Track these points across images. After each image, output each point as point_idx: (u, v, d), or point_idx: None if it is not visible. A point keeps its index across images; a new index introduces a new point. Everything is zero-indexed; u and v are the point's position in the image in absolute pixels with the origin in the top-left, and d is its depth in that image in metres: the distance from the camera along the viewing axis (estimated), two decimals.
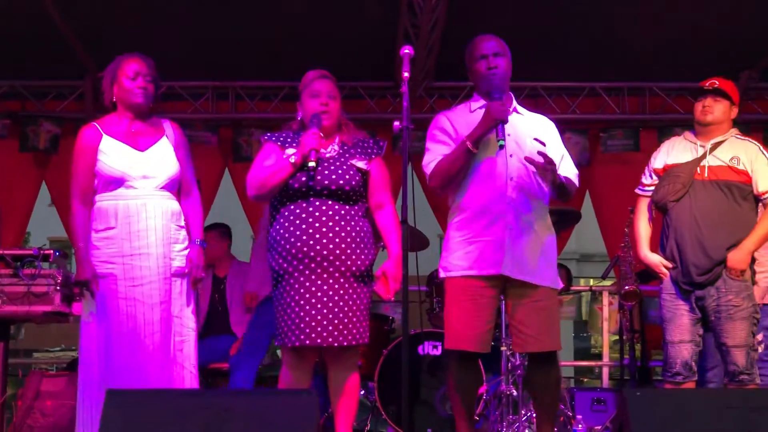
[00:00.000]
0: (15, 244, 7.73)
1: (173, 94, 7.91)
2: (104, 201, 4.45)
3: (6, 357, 6.22)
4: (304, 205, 4.43)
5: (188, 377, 4.48)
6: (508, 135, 4.28)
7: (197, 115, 8.03)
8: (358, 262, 4.45)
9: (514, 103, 4.52)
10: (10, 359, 6.33)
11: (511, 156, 4.33)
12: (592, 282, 13.83)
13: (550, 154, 4.38)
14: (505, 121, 4.24)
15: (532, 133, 4.45)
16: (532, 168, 4.33)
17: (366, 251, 4.50)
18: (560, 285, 4.57)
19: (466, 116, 4.46)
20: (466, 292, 4.32)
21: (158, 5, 6.79)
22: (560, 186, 4.40)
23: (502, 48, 4.50)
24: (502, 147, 4.22)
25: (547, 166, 4.27)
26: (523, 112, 4.57)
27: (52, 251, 5.78)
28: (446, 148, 4.39)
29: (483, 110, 4.33)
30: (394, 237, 4.48)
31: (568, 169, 4.52)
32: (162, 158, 4.53)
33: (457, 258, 4.36)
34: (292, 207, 4.45)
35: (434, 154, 4.41)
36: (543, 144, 4.42)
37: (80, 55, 7.24)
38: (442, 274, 4.45)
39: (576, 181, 4.57)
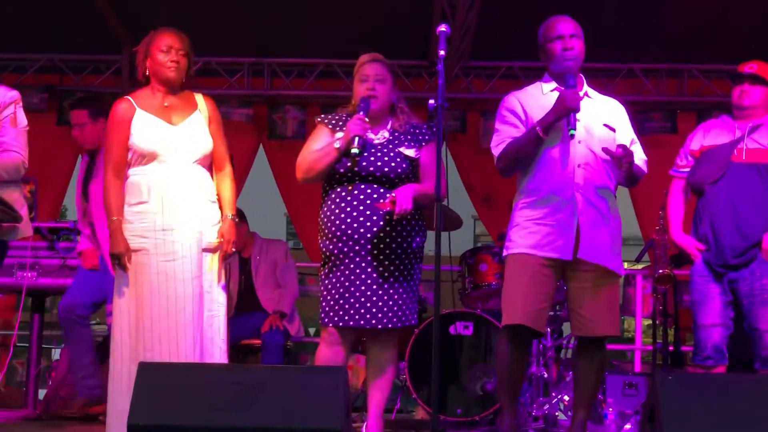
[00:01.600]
0: (51, 217, 7.81)
1: (209, 70, 7.95)
2: (137, 175, 4.44)
3: (41, 329, 6.30)
4: (350, 188, 4.45)
5: (218, 352, 4.48)
6: (578, 121, 4.25)
7: (232, 90, 8.05)
8: (404, 245, 4.45)
9: (585, 86, 4.48)
10: (45, 331, 6.40)
11: (579, 142, 4.32)
12: (626, 265, 13.75)
13: (621, 140, 4.38)
14: (578, 110, 4.22)
15: (603, 118, 4.44)
16: (603, 156, 4.32)
17: (413, 233, 4.49)
18: (623, 272, 4.55)
19: (538, 98, 4.44)
20: (525, 268, 4.32)
21: None
22: (633, 175, 4.37)
23: (577, 30, 4.46)
24: (572, 136, 4.22)
25: (624, 158, 4.25)
26: (594, 96, 4.53)
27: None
28: (515, 130, 4.38)
29: (555, 93, 4.32)
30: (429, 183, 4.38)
31: (637, 154, 4.48)
32: (195, 133, 4.52)
33: (521, 236, 4.36)
34: (338, 190, 4.48)
35: (503, 136, 4.39)
36: (613, 130, 4.41)
37: (117, 30, 7.28)
38: (504, 253, 4.46)
39: (645, 167, 4.56)
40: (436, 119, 4.00)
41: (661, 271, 5.60)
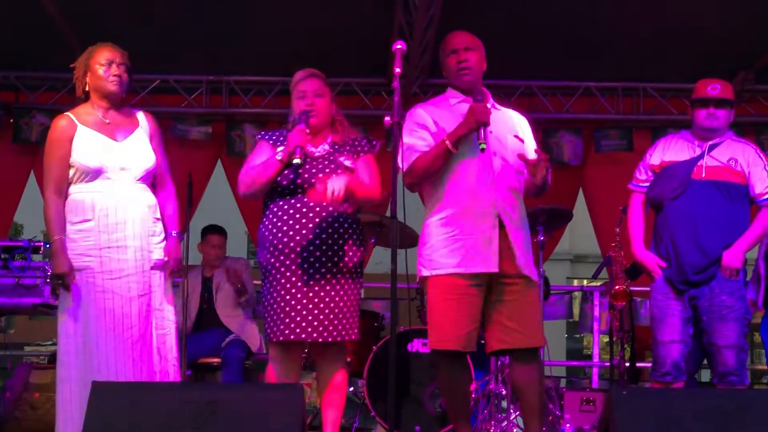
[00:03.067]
0: (3, 235, 7.74)
1: (167, 88, 7.92)
2: (79, 193, 4.37)
3: None
4: (292, 201, 4.45)
5: (171, 370, 4.45)
6: (489, 133, 4.23)
7: (191, 109, 8.02)
8: (345, 258, 4.47)
9: (491, 99, 4.48)
10: (0, 352, 6.33)
11: (494, 154, 4.29)
12: (585, 283, 13.83)
13: (529, 152, 4.38)
14: (488, 124, 4.20)
15: (512, 129, 4.44)
16: (515, 166, 4.33)
17: (354, 248, 4.51)
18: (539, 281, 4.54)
19: (447, 109, 4.41)
20: (452, 290, 4.26)
21: None
22: (546, 182, 4.36)
23: (473, 43, 4.43)
24: (483, 150, 4.17)
25: (542, 162, 4.25)
26: (500, 108, 4.53)
27: (42, 243, 5.78)
28: (424, 143, 4.32)
29: (463, 105, 4.30)
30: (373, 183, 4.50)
31: None
32: (139, 149, 4.48)
33: (442, 256, 4.28)
34: (280, 203, 4.48)
35: (410, 149, 4.32)
36: (522, 141, 4.41)
37: (74, 47, 7.21)
38: (424, 273, 4.36)
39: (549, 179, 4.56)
40: (393, 137, 4.00)
41: (617, 287, 5.65)
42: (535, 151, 4.30)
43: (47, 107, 7.86)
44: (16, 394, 6.14)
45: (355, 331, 4.54)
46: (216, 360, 6.51)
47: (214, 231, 6.90)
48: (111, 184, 4.38)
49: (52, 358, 6.38)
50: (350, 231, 4.50)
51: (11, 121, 7.94)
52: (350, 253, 4.48)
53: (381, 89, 8.01)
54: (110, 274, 4.33)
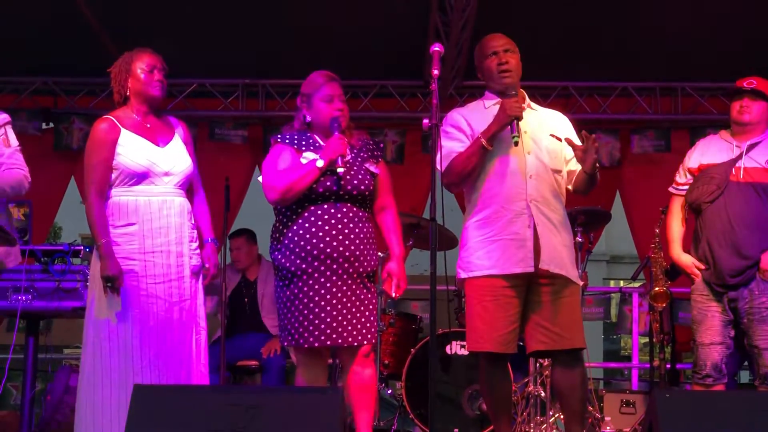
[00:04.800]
0: (43, 239, 7.80)
1: (203, 92, 7.96)
2: (123, 196, 4.39)
3: (35, 352, 6.26)
4: (326, 206, 4.45)
5: (199, 377, 4.46)
6: (525, 132, 4.24)
7: (227, 112, 8.05)
8: (372, 264, 4.52)
9: (528, 99, 4.47)
10: (40, 355, 6.38)
11: (528, 153, 4.29)
12: (622, 284, 13.74)
13: (568, 151, 4.36)
14: (520, 118, 4.19)
15: (548, 129, 4.41)
16: (553, 167, 4.31)
17: (374, 253, 4.56)
18: (581, 283, 4.52)
19: (481, 112, 4.40)
20: (489, 292, 4.26)
21: (190, 3, 6.81)
22: (595, 178, 4.32)
23: (511, 45, 4.43)
24: (516, 143, 4.18)
25: (591, 144, 4.20)
26: (537, 109, 4.51)
27: (82, 247, 5.81)
28: (461, 144, 4.33)
29: (497, 107, 4.29)
30: (396, 238, 4.59)
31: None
32: (179, 155, 4.51)
33: (478, 258, 4.29)
34: (312, 209, 4.45)
35: (448, 151, 4.33)
36: (559, 140, 4.37)
37: (111, 52, 7.26)
38: (461, 275, 4.38)
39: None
40: (431, 139, 4.00)
41: (657, 288, 5.60)
42: (582, 132, 4.27)
43: (86, 112, 7.92)
44: (57, 397, 6.19)
45: (375, 334, 4.58)
46: (254, 363, 6.53)
47: (233, 235, 6.94)
48: (154, 189, 4.40)
49: None
50: (371, 236, 4.56)
51: (51, 126, 7.99)
52: (373, 258, 4.54)
53: (417, 91, 8.00)
54: (154, 279, 4.35)
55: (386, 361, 6.17)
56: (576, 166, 4.37)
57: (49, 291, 5.73)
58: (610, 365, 17.26)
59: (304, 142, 4.55)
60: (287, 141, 4.58)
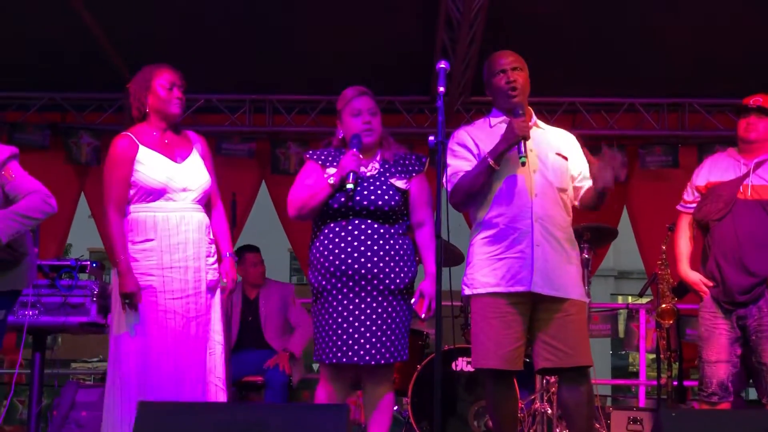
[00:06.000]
0: (56, 254, 7.82)
1: (210, 107, 7.98)
2: (141, 212, 4.40)
3: (42, 367, 6.27)
4: (344, 223, 4.45)
5: (214, 390, 4.46)
6: (531, 150, 4.22)
7: (234, 128, 8.07)
8: (397, 280, 4.45)
9: (534, 117, 4.47)
10: (47, 370, 6.38)
11: (534, 172, 4.28)
12: (629, 299, 13.72)
13: (573, 170, 4.36)
14: (527, 138, 4.19)
15: (554, 148, 4.40)
16: (558, 185, 4.31)
17: (406, 269, 4.49)
18: (588, 299, 4.50)
19: (487, 131, 4.40)
20: (494, 309, 4.25)
21: (197, 19, 6.84)
22: (605, 195, 4.30)
23: (520, 63, 4.42)
24: (523, 164, 4.17)
25: (615, 160, 4.16)
26: (544, 127, 4.51)
27: (89, 262, 5.83)
28: (467, 163, 4.33)
29: (504, 125, 4.28)
30: (430, 255, 4.49)
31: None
32: (197, 170, 4.52)
33: (484, 275, 4.29)
34: (331, 225, 4.47)
35: (455, 170, 4.34)
36: (565, 159, 4.37)
37: (120, 68, 7.30)
38: (466, 291, 4.36)
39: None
40: (437, 156, 4.00)
41: (664, 305, 5.60)
42: (604, 151, 4.22)
43: (94, 127, 7.94)
44: (63, 413, 6.19)
45: (406, 351, 4.53)
46: (259, 378, 6.52)
47: (250, 250, 6.90)
48: (172, 205, 4.41)
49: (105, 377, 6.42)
50: (402, 252, 4.49)
51: (60, 141, 8.01)
52: (402, 274, 4.47)
53: (423, 107, 8.02)
54: (172, 294, 4.35)
55: (392, 377, 6.15)
56: (582, 183, 4.37)
57: (55, 306, 5.75)
58: (618, 382, 17.24)
59: (331, 158, 4.56)
60: (315, 157, 4.60)
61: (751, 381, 5.31)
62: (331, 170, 4.49)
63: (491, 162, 4.21)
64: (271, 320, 6.66)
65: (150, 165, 4.40)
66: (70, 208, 8.15)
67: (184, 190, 4.44)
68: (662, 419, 3.59)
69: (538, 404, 5.93)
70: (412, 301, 4.47)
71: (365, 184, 4.47)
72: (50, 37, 6.99)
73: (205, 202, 4.56)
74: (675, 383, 6.01)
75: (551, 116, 7.46)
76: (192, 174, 4.49)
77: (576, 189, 4.41)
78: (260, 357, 6.53)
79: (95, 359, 20.23)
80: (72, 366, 18.89)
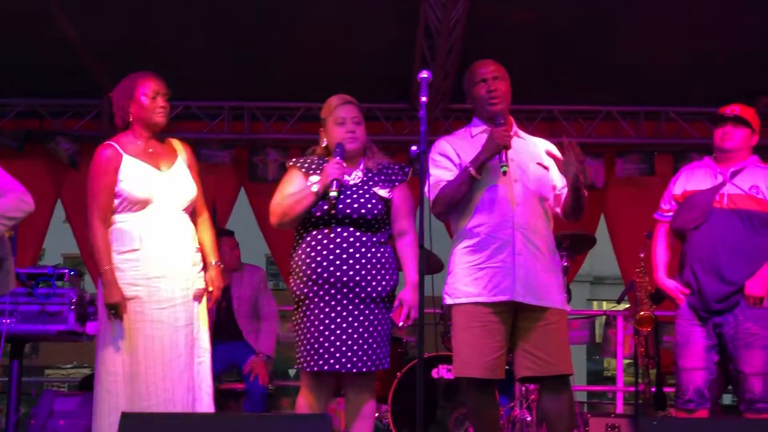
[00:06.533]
0: (32, 260, 7.77)
1: (189, 114, 7.95)
2: (126, 222, 4.37)
3: (20, 376, 6.23)
4: (326, 231, 4.45)
5: (206, 399, 4.44)
6: (512, 160, 4.22)
7: (213, 135, 8.05)
8: (379, 288, 4.45)
9: (516, 127, 4.48)
10: (24, 377, 6.34)
11: (516, 181, 4.29)
12: (605, 305, 13.79)
13: (554, 179, 4.37)
14: (509, 147, 4.19)
15: (535, 157, 4.42)
16: (540, 194, 4.32)
17: (387, 277, 4.49)
18: (569, 308, 4.52)
19: (468, 141, 4.41)
20: (476, 318, 4.25)
21: (175, 26, 6.83)
22: (580, 194, 4.27)
23: (501, 72, 4.43)
24: (505, 173, 4.18)
25: (576, 156, 4.16)
26: (525, 136, 4.51)
27: (66, 270, 5.79)
28: (449, 173, 4.34)
29: (485, 135, 4.29)
30: (411, 265, 4.49)
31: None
32: (183, 179, 4.49)
33: (465, 284, 4.29)
34: (314, 233, 4.47)
35: (436, 180, 4.34)
36: (546, 168, 4.39)
37: (97, 74, 7.28)
38: (448, 301, 4.36)
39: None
40: (419, 166, 4.00)
41: (642, 312, 5.63)
42: (564, 139, 4.24)
43: (71, 133, 7.90)
44: (41, 422, 6.15)
45: (387, 359, 4.53)
46: (239, 386, 6.49)
47: (225, 234, 6.78)
48: (157, 214, 4.38)
49: (86, 382, 6.33)
50: (383, 260, 4.49)
51: (37, 147, 7.96)
52: (384, 282, 4.47)
53: (403, 114, 8.03)
54: (159, 304, 4.32)
55: (374, 385, 6.14)
56: (562, 192, 4.39)
57: (33, 314, 5.71)
58: (596, 388, 17.27)
59: (314, 166, 4.56)
60: (298, 165, 4.60)
61: (729, 387, 5.36)
62: (315, 178, 4.49)
63: (473, 171, 4.22)
64: (243, 306, 6.60)
65: (134, 174, 4.37)
66: (46, 214, 8.08)
67: (169, 199, 4.42)
68: (641, 427, 3.60)
69: (517, 411, 5.95)
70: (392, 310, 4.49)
71: (348, 193, 4.47)
72: (27, 44, 6.95)
73: (191, 211, 4.54)
74: (653, 390, 6.03)
75: (529, 123, 7.49)
76: (177, 183, 4.46)
77: (557, 197, 4.42)
78: (236, 351, 6.45)
79: (69, 366, 20.08)
80: (46, 373, 18.74)
